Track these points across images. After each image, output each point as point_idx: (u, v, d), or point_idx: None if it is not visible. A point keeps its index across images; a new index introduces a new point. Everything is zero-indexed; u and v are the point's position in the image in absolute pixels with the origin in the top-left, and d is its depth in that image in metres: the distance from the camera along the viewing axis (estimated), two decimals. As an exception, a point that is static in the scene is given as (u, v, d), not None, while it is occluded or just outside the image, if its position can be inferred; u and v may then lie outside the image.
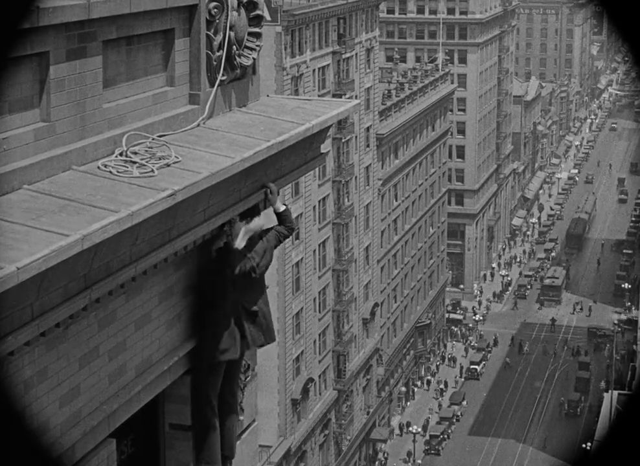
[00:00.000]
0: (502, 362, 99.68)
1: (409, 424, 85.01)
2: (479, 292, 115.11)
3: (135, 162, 8.30)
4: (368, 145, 76.37)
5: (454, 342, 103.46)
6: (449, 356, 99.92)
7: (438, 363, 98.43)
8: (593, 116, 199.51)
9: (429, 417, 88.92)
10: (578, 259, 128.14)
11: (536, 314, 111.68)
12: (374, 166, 78.09)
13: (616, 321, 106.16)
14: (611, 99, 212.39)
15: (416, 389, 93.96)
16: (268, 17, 57.00)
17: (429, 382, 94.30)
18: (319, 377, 70.26)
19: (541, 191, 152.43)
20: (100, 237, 7.00)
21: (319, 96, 64.97)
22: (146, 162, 8.34)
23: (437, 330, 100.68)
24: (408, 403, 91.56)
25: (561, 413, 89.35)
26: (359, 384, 77.72)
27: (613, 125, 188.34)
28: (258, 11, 10.26)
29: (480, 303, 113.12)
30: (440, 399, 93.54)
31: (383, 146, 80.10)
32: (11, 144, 7.54)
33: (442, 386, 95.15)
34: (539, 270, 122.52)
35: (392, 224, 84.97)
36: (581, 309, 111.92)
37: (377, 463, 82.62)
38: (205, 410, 9.58)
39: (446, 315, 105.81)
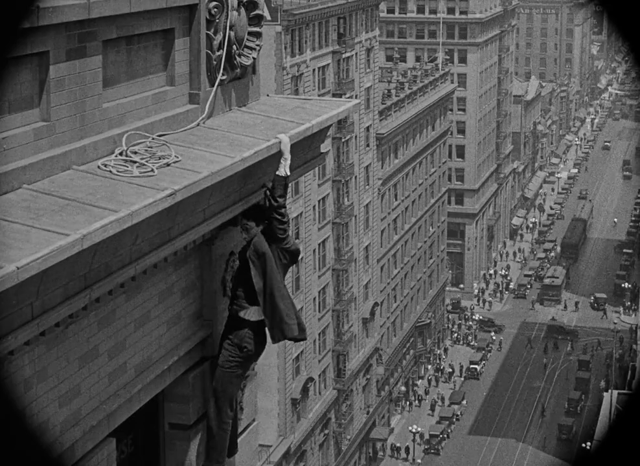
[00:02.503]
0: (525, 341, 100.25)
1: (399, 449, 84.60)
2: (479, 292, 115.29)
3: (135, 162, 8.30)
4: (368, 145, 76.38)
5: (453, 345, 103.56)
6: (447, 365, 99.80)
7: (430, 377, 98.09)
8: (593, 116, 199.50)
9: (435, 399, 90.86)
10: (578, 259, 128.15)
11: (536, 313, 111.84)
12: (373, 165, 78.09)
13: (616, 321, 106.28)
14: (611, 99, 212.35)
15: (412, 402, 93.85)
16: (268, 17, 57.04)
17: (420, 397, 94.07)
18: (319, 376, 70.27)
19: (541, 191, 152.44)
20: (100, 236, 7.00)
21: (318, 95, 64.99)
22: (146, 161, 8.34)
23: (437, 330, 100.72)
24: (407, 402, 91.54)
25: (559, 435, 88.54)
26: (359, 383, 77.74)
27: (606, 144, 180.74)
28: (258, 11, 10.26)
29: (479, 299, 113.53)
30: (449, 383, 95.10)
31: (383, 146, 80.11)
32: (11, 143, 7.54)
33: (449, 369, 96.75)
34: (539, 270, 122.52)
35: (392, 223, 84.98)
36: (565, 308, 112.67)
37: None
38: (225, 410, 9.56)
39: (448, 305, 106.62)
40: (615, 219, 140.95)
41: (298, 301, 65.17)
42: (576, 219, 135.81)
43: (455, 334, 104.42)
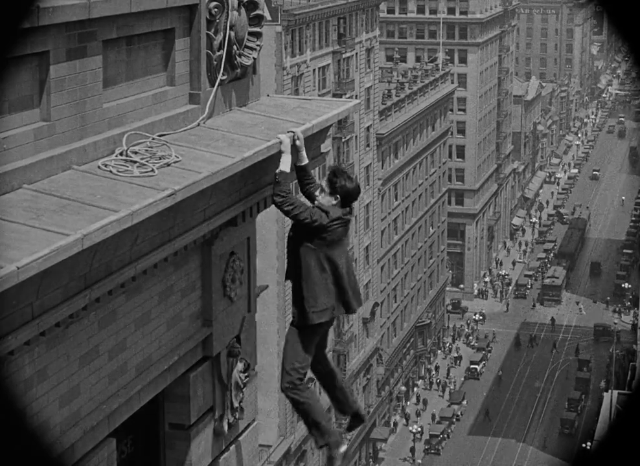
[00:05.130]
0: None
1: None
2: (479, 292, 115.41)
3: (135, 162, 8.30)
4: (368, 145, 76.38)
5: (457, 343, 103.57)
6: (454, 356, 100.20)
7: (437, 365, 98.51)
8: (592, 116, 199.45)
9: (446, 380, 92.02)
10: (578, 259, 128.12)
11: (536, 313, 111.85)
12: (374, 165, 78.10)
13: (616, 321, 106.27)
14: (611, 99, 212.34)
15: (415, 389, 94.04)
16: (268, 17, 57.02)
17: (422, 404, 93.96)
18: (319, 376, 70.18)
19: (541, 191, 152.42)
20: (100, 236, 7.00)
21: (319, 95, 64.99)
22: (146, 161, 8.33)
23: (437, 330, 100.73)
24: (408, 403, 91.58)
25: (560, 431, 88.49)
26: (359, 383, 77.73)
27: (595, 173, 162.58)
28: (258, 11, 10.26)
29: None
30: (456, 366, 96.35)
31: (383, 146, 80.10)
32: (12, 143, 7.54)
33: (455, 354, 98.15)
34: (539, 270, 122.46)
35: (392, 223, 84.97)
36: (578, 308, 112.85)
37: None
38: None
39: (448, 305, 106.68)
40: (623, 197, 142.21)
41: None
42: (572, 226, 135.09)
43: (448, 345, 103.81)
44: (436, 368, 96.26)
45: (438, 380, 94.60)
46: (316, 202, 9.41)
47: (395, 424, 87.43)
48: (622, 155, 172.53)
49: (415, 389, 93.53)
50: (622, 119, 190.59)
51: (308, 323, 9.34)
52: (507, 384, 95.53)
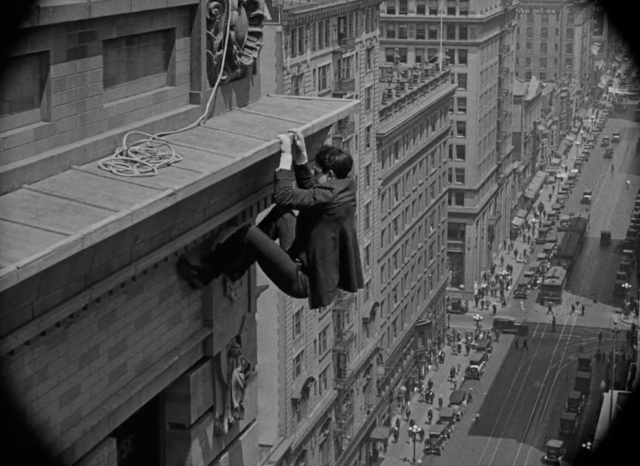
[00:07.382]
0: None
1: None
2: (479, 293, 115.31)
3: (135, 162, 8.30)
4: (368, 145, 76.38)
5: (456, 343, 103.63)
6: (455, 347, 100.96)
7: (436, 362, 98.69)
8: (593, 116, 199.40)
9: (454, 367, 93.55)
10: (578, 259, 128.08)
11: (536, 313, 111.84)
12: (374, 165, 78.10)
13: (616, 321, 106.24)
14: (611, 99, 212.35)
15: (415, 389, 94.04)
16: (269, 17, 57.03)
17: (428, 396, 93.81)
18: (319, 376, 70.25)
19: (541, 191, 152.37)
20: (100, 236, 6.99)
21: (319, 95, 64.99)
22: (147, 161, 8.33)
23: (437, 330, 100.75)
24: (409, 403, 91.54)
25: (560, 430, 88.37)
26: (360, 383, 77.73)
27: (586, 197, 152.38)
28: (258, 11, 10.26)
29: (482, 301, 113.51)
30: (460, 355, 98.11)
31: (384, 146, 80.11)
32: (12, 143, 7.54)
33: (458, 343, 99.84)
34: (540, 270, 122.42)
35: (393, 223, 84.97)
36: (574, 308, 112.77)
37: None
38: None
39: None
40: (628, 181, 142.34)
41: (299, 301, 65.17)
42: (571, 230, 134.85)
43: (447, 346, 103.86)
44: (430, 384, 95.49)
45: (432, 393, 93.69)
46: (315, 185, 9.44)
47: (391, 429, 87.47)
48: (610, 175, 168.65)
49: (408, 402, 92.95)
50: (617, 136, 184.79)
51: (324, 305, 9.30)
52: (507, 384, 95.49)
